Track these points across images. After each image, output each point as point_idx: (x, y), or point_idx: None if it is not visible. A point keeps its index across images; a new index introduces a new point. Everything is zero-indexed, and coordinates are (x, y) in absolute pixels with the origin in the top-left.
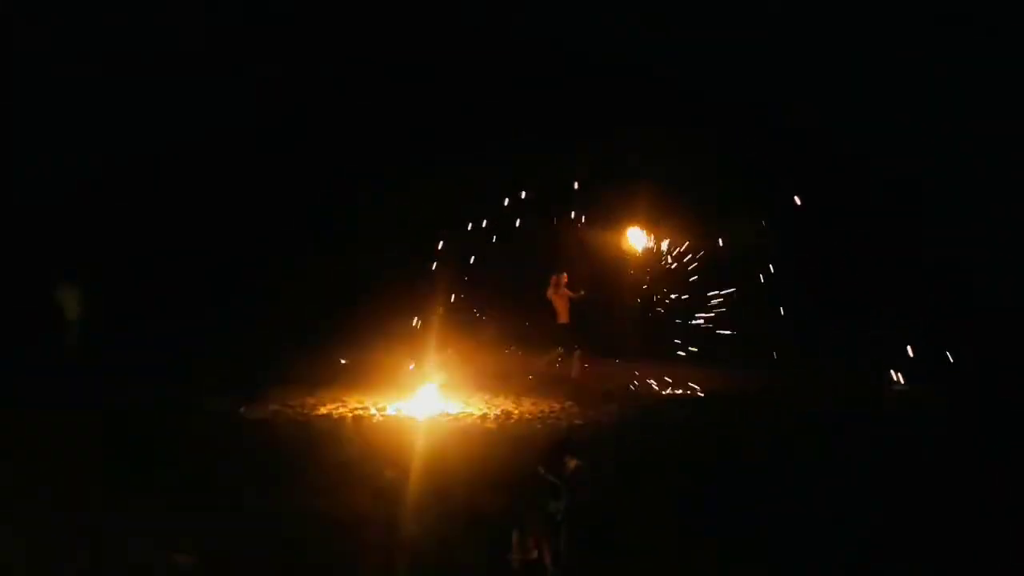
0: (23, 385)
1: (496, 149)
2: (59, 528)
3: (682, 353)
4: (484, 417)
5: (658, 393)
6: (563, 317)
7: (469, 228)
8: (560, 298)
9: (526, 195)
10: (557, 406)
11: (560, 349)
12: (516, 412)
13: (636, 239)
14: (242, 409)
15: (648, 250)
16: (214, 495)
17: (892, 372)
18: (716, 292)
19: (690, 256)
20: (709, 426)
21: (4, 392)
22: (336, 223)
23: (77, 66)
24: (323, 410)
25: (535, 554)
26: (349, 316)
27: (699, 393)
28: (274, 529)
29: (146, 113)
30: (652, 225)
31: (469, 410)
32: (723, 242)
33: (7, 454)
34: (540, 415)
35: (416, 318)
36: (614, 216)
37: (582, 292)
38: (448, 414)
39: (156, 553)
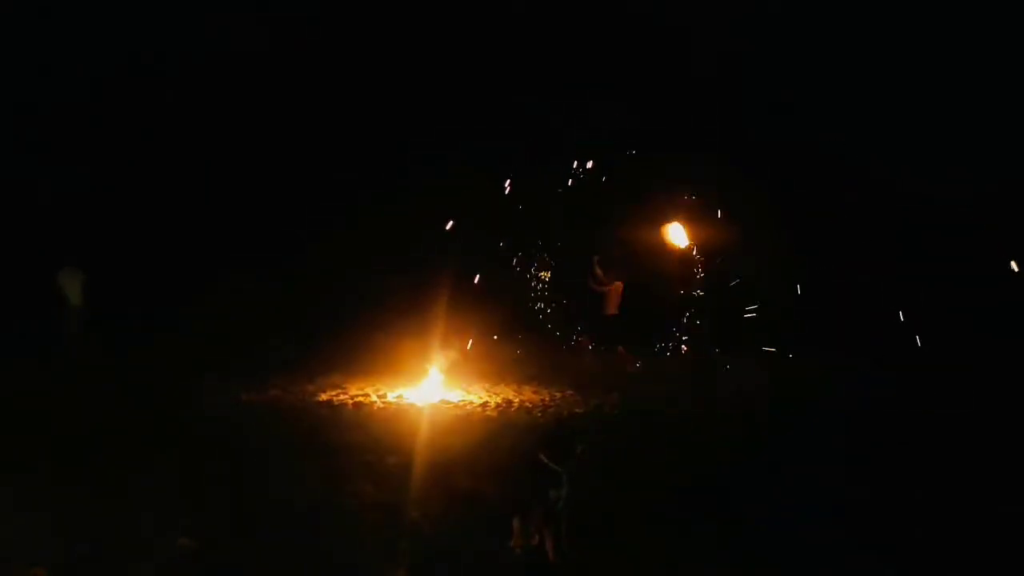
0: (27, 370)
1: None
2: (62, 513)
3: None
4: (485, 405)
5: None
6: (612, 308)
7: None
8: (614, 289)
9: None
10: (558, 394)
11: (621, 348)
12: (517, 400)
13: (677, 235)
14: (242, 395)
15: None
16: (215, 480)
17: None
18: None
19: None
20: (706, 418)
21: (9, 378)
22: (341, 206)
23: (81, 63)
24: (323, 396)
25: (536, 541)
26: (352, 302)
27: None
28: (275, 514)
29: (147, 104)
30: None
31: (470, 397)
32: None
33: (12, 439)
34: (541, 403)
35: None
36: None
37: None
38: (449, 401)
39: (159, 537)
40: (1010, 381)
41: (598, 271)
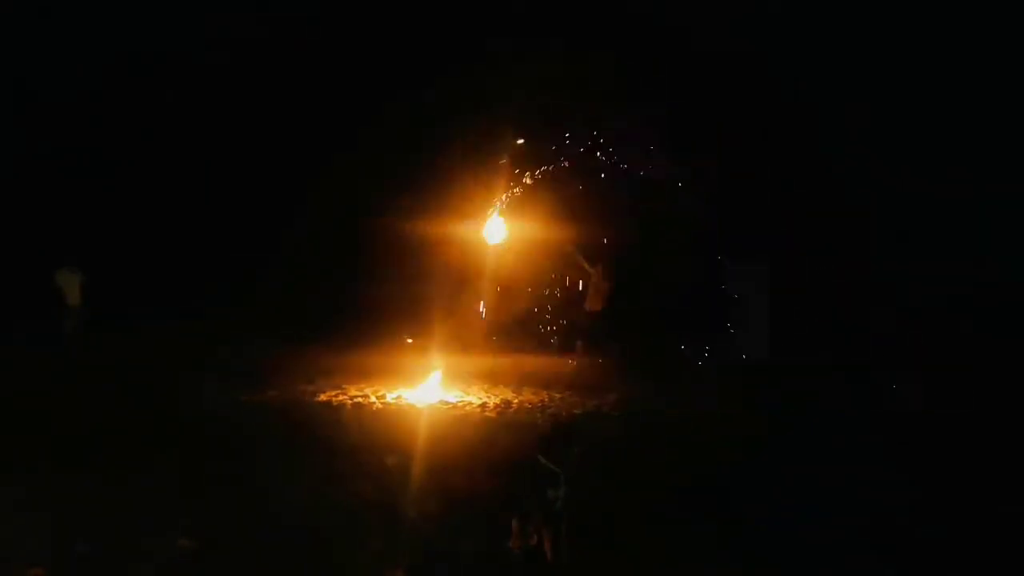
0: (27, 370)
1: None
2: (63, 513)
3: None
4: (484, 405)
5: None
6: (594, 303)
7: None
8: (598, 284)
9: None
10: (557, 395)
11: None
12: (516, 400)
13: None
14: (242, 395)
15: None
16: (215, 480)
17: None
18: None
19: None
20: (706, 418)
21: (9, 378)
22: (340, 206)
23: (81, 63)
24: (323, 397)
25: (535, 541)
26: (349, 303)
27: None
28: (274, 515)
29: (147, 103)
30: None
31: (469, 398)
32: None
33: (12, 439)
34: (540, 404)
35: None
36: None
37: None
38: (448, 402)
39: (159, 537)
40: (1010, 381)
41: (582, 261)
